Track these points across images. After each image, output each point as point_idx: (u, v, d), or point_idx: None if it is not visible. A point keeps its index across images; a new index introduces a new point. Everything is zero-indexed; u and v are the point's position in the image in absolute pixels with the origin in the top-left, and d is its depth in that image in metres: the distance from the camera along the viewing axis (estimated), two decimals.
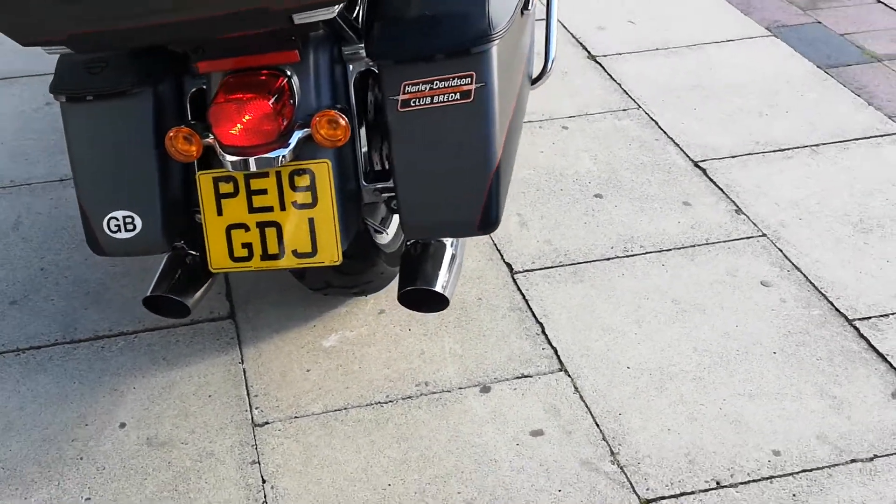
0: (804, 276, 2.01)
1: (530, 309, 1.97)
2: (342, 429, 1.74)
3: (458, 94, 1.45)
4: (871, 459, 1.63)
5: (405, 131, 1.48)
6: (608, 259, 2.09)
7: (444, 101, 1.45)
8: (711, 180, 2.31)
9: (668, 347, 1.86)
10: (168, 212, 1.60)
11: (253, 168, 1.48)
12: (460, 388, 1.81)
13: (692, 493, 1.59)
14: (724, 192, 2.27)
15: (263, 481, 1.65)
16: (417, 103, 1.46)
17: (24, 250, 2.23)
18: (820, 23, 2.95)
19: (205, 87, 1.60)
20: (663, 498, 1.59)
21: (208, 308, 2.03)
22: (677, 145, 2.43)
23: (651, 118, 2.54)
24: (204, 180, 1.56)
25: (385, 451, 1.70)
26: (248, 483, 1.66)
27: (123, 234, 1.62)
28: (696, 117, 2.54)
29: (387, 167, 1.64)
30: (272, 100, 1.45)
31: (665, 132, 2.49)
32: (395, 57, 1.45)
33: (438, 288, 1.54)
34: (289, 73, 1.50)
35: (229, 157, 1.49)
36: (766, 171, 2.33)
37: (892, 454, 1.64)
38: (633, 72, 2.77)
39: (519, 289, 2.02)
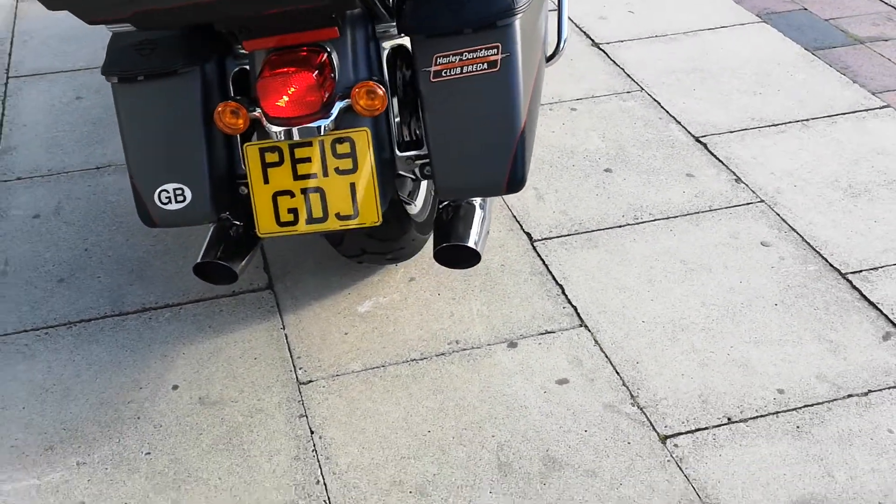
0: (800, 236, 2.16)
1: (550, 273, 2.11)
2: (381, 384, 1.88)
3: (485, 64, 1.57)
4: (866, 394, 1.78)
5: (437, 100, 1.60)
6: (620, 227, 2.23)
7: (472, 71, 1.58)
8: (712, 153, 2.45)
9: (678, 303, 2.00)
10: (215, 183, 1.72)
11: (297, 137, 1.60)
12: (489, 345, 1.94)
13: (706, 428, 1.73)
14: (724, 164, 2.41)
15: (311, 432, 1.78)
16: (448, 74, 1.59)
17: (67, 233, 2.36)
18: (806, 9, 3.10)
19: (246, 67, 1.73)
20: (680, 434, 1.73)
21: (248, 280, 2.16)
22: (679, 123, 2.58)
23: (654, 99, 2.69)
24: (251, 151, 1.68)
25: (423, 402, 1.83)
26: (297, 434, 1.78)
27: (174, 206, 1.74)
28: (695, 97, 2.69)
29: (417, 137, 1.77)
30: (315, 73, 1.58)
31: (667, 111, 2.63)
32: (427, 31, 1.57)
33: (471, 244, 1.67)
34: (328, 49, 1.63)
35: (276, 128, 1.61)
36: (762, 144, 2.48)
37: (884, 389, 1.78)
38: (634, 57, 2.91)
39: (539, 255, 2.16)
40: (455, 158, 1.63)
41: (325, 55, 1.61)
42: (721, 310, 1.98)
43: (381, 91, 1.59)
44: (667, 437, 1.72)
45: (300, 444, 1.76)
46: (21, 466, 1.75)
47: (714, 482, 1.63)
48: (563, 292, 2.06)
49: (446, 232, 1.71)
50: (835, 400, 1.77)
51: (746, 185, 2.33)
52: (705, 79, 2.78)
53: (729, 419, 1.75)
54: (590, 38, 3.09)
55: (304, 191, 1.68)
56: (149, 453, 1.77)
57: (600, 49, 3.00)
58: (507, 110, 1.59)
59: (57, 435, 1.81)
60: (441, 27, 1.57)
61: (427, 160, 1.70)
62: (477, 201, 1.76)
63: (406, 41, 1.68)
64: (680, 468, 1.66)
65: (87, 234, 2.34)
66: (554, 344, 1.93)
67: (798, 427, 1.72)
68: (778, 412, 1.75)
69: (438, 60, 1.59)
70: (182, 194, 1.72)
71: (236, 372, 1.93)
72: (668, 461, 1.67)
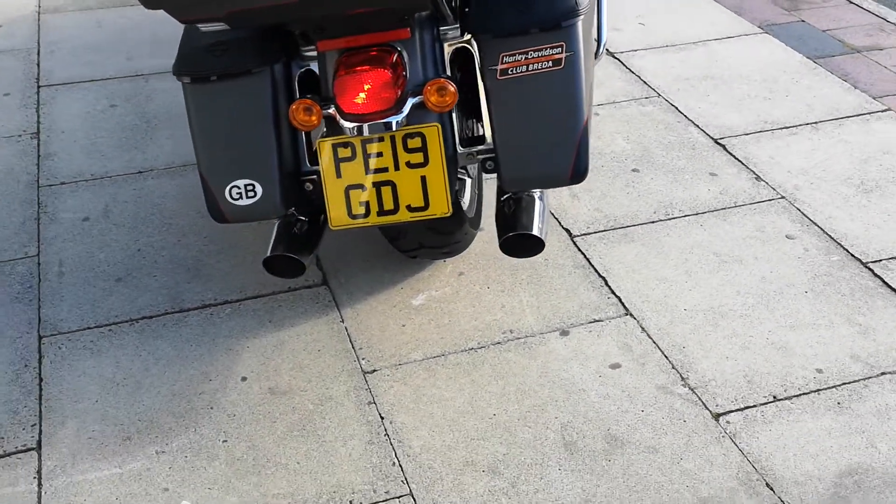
0: (821, 229, 2.27)
1: (592, 266, 2.20)
2: (443, 371, 1.94)
3: (550, 62, 1.64)
4: None
5: (504, 96, 1.67)
6: (653, 222, 2.32)
7: (538, 69, 1.65)
8: (731, 154, 2.56)
9: (715, 292, 2.10)
10: (284, 179, 1.77)
11: (371, 132, 1.65)
12: (542, 333, 2.02)
13: (755, 406, 1.83)
14: (743, 163, 2.52)
15: (382, 418, 1.84)
16: (514, 72, 1.66)
17: (118, 234, 2.39)
18: (804, 21, 3.24)
19: (310, 68, 1.77)
20: (731, 411, 1.82)
21: (303, 277, 2.22)
22: (697, 126, 2.69)
23: (671, 104, 2.80)
24: (324, 147, 1.73)
25: (485, 388, 1.90)
26: (368, 420, 1.84)
27: (245, 201, 1.79)
28: (710, 102, 2.80)
29: (478, 134, 1.84)
30: (390, 71, 1.65)
31: (685, 115, 2.74)
32: (494, 32, 1.64)
33: (536, 232, 1.75)
34: (399, 48, 1.70)
35: (350, 124, 1.66)
36: (777, 145, 2.60)
37: None
38: (649, 66, 3.03)
39: (580, 250, 2.25)
40: (522, 151, 1.70)
41: (397, 54, 1.68)
42: (756, 297, 2.08)
43: (452, 88, 1.66)
44: (719, 415, 1.81)
45: (372, 430, 1.82)
46: (102, 456, 1.79)
47: (767, 455, 1.73)
48: (607, 284, 2.15)
49: (511, 222, 1.78)
50: (870, 378, 1.88)
51: (766, 183, 2.44)
52: (718, 85, 2.90)
53: (774, 397, 1.84)
54: (606, 48, 3.20)
55: (375, 184, 1.74)
56: (226, 441, 1.82)
57: (616, 58, 3.11)
58: (572, 105, 1.67)
59: (133, 426, 1.85)
60: (508, 27, 1.63)
61: (490, 154, 1.78)
62: (536, 193, 1.83)
63: (468, 42, 1.76)
64: (734, 443, 1.75)
65: (137, 236, 2.38)
66: (603, 331, 2.01)
67: (839, 403, 1.83)
68: (819, 390, 1.85)
69: (505, 59, 1.66)
70: (253, 190, 1.77)
71: (302, 363, 1.98)
72: (723, 437, 1.76)
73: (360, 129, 1.67)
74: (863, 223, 2.30)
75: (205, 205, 1.80)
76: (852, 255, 2.20)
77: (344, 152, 1.73)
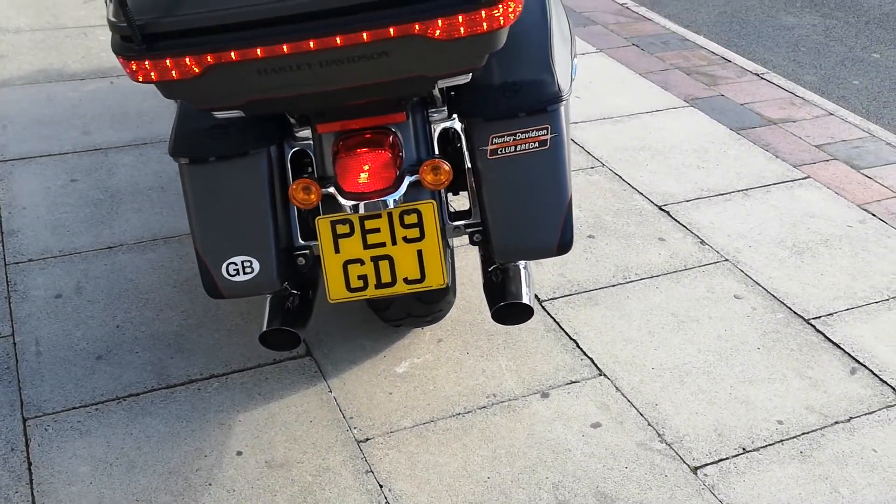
0: (764, 289, 2.42)
1: (562, 329, 2.27)
2: (435, 437, 1.96)
3: (536, 143, 1.73)
4: (849, 420, 2.02)
5: (494, 175, 1.74)
6: (613, 286, 2.42)
7: (525, 150, 1.73)
8: (675, 220, 2.70)
9: (678, 351, 2.20)
10: (280, 255, 1.80)
11: (370, 210, 1.70)
12: (524, 396, 2.07)
13: (727, 458, 1.92)
14: (687, 228, 2.67)
15: (380, 486, 1.85)
16: (503, 152, 1.74)
17: (93, 311, 2.33)
18: (723, 95, 3.47)
19: (302, 148, 1.81)
20: (707, 464, 1.90)
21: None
22: (642, 194, 2.83)
23: (615, 173, 2.94)
24: (322, 224, 1.77)
25: (477, 452, 1.93)
26: (367, 489, 1.84)
27: (242, 277, 1.79)
28: (649, 171, 2.95)
29: (462, 209, 1.90)
30: (389, 152, 1.71)
31: (629, 184, 2.88)
32: (484, 115, 1.72)
33: (526, 300, 1.81)
34: (393, 130, 1.75)
35: (349, 202, 1.70)
36: (715, 210, 2.76)
37: (862, 415, 2.03)
38: (590, 137, 3.17)
39: (549, 314, 2.32)
40: (512, 226, 1.77)
41: (392, 136, 1.74)
42: (715, 355, 2.20)
43: (446, 167, 1.72)
44: (696, 468, 1.89)
45: (372, 498, 1.82)
46: None
47: None
48: (578, 346, 2.22)
49: (501, 292, 1.84)
50: (825, 427, 2.00)
51: (711, 247, 2.59)
52: (654, 155, 3.06)
53: (744, 449, 1.94)
54: None
55: (373, 258, 1.78)
56: None
57: None
58: (557, 183, 1.75)
59: None
60: (497, 111, 1.72)
61: (478, 228, 1.84)
62: (522, 263, 1.90)
63: (454, 124, 1.82)
64: (714, 495, 1.83)
65: (114, 312, 2.33)
66: (581, 392, 2.08)
67: (801, 452, 1.94)
68: (782, 440, 1.96)
69: (494, 140, 1.73)
70: (250, 266, 1.78)
71: (295, 434, 1.97)
72: (703, 489, 1.84)
73: (360, 207, 1.71)
74: (800, 282, 2.46)
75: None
76: (795, 313, 2.34)
77: (342, 229, 1.76)
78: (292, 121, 1.79)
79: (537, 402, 2.06)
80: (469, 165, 1.82)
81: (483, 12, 1.38)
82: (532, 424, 2.00)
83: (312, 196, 1.73)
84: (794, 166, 3.01)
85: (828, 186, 2.89)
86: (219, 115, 1.64)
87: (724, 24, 4.52)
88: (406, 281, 1.78)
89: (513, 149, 1.74)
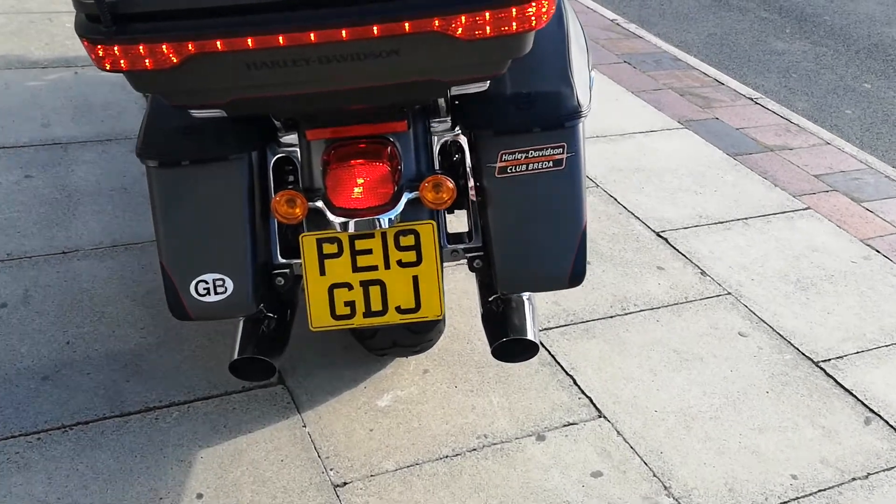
0: (770, 326, 2.23)
1: (558, 363, 2.05)
2: (420, 483, 1.73)
3: (550, 162, 1.51)
4: (867, 477, 1.83)
5: (502, 195, 1.53)
6: (611, 317, 2.21)
7: (538, 169, 1.51)
8: (674, 248, 2.51)
9: (682, 392, 2.00)
10: (257, 274, 1.56)
11: (361, 229, 1.48)
12: (518, 439, 1.84)
13: None
14: (686, 257, 2.47)
15: None
16: (513, 170, 1.52)
17: (42, 324, 2.05)
18: (718, 119, 3.29)
19: (286, 155, 1.58)
20: None
21: None
22: (638, 218, 2.63)
23: (610, 195, 2.73)
24: (307, 242, 1.53)
25: (467, 501, 1.69)
26: None
27: (212, 297, 1.55)
28: (645, 194, 2.76)
29: (462, 230, 1.67)
30: (387, 164, 1.47)
31: (625, 207, 2.68)
32: (494, 128, 1.50)
33: (531, 336, 1.59)
34: (392, 139, 1.53)
35: (338, 219, 1.48)
36: (714, 239, 2.57)
37: (880, 471, 1.84)
38: None
39: (544, 346, 2.10)
40: (519, 253, 1.55)
41: (391, 147, 1.51)
42: (721, 398, 1.99)
43: (450, 184, 1.50)
44: None
45: None
46: None
47: None
48: (575, 383, 2.00)
49: (503, 326, 1.62)
50: (842, 484, 1.81)
51: (712, 279, 2.39)
52: (650, 177, 2.87)
53: None
54: None
55: (363, 283, 1.54)
56: None
57: None
58: (572, 207, 1.54)
59: None
60: (509, 125, 1.51)
61: (478, 253, 1.62)
62: (526, 294, 1.68)
63: (458, 136, 1.60)
64: None
65: (65, 326, 2.05)
66: (580, 436, 1.86)
67: None
68: (798, 498, 1.76)
69: (504, 157, 1.52)
70: (223, 285, 1.54)
71: (264, 476, 1.72)
72: None
73: (350, 225, 1.48)
74: (806, 321, 2.27)
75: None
76: (803, 355, 2.15)
77: (329, 248, 1.53)
78: (277, 124, 1.55)
79: (532, 446, 1.83)
80: (473, 183, 1.60)
81: (514, 10, 1.15)
82: (527, 471, 1.77)
83: (297, 210, 1.50)
84: (794, 196, 2.83)
85: (829, 219, 2.72)
86: (196, 113, 1.40)
87: (715, 46, 4.37)
88: (399, 310, 1.55)
89: (524, 167, 1.52)
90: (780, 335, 2.21)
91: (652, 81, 3.59)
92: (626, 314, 2.23)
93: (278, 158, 1.58)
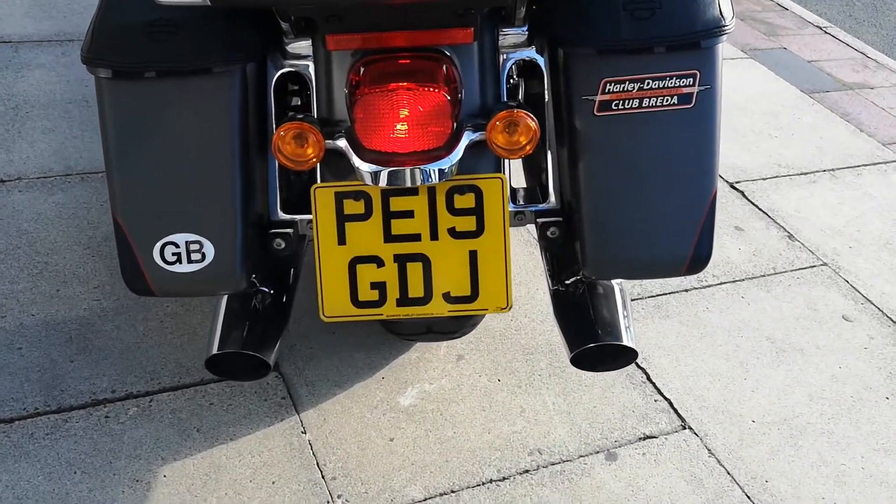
0: (879, 309, 1.73)
1: None
2: None
3: (675, 97, 1.03)
4: None
5: (601, 141, 1.04)
6: (686, 290, 1.70)
7: (656, 106, 1.03)
8: (753, 203, 1.98)
9: (783, 395, 1.51)
10: (248, 236, 1.05)
11: (404, 182, 0.97)
12: (581, 457, 1.35)
13: None
14: (769, 216, 1.95)
15: None
16: (620, 106, 1.03)
17: None
18: (786, 49, 2.72)
19: (295, 70, 1.06)
20: None
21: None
22: None
23: None
24: (322, 196, 1.03)
25: None
26: None
27: (185, 266, 1.05)
28: None
29: (545, 186, 1.15)
30: (445, 91, 0.95)
31: None
32: (596, 45, 1.01)
33: (627, 342, 1.09)
34: (448, 54, 1.00)
35: (370, 167, 0.97)
36: (798, 194, 2.04)
37: None
38: None
39: None
40: (620, 223, 1.05)
41: (448, 66, 0.99)
42: (833, 405, 1.51)
43: (532, 123, 0.98)
44: None
45: None
46: None
47: None
48: (649, 378, 1.51)
49: (589, 326, 1.11)
50: None
51: (802, 244, 1.88)
52: None
53: None
54: None
55: (399, 258, 1.04)
56: None
57: None
58: (702, 163, 1.05)
59: None
60: (618, 41, 1.00)
61: (556, 219, 1.10)
62: (617, 280, 1.17)
63: (536, 56, 1.07)
64: None
65: None
66: (661, 454, 1.37)
67: None
68: None
69: (608, 87, 1.01)
70: (200, 250, 1.04)
71: (250, 501, 1.23)
72: None
73: (379, 176, 0.96)
74: None
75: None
76: None
77: (353, 207, 1.03)
78: (284, 26, 1.02)
79: (601, 467, 1.34)
80: (553, 120, 1.07)
81: None
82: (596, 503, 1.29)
83: (309, 150, 0.99)
84: (883, 144, 2.30)
85: None
86: (178, 2, 0.87)
87: None
88: (447, 298, 1.05)
89: (636, 102, 1.02)
90: (891, 320, 1.71)
91: None
92: (705, 287, 1.72)
93: (283, 75, 1.07)
